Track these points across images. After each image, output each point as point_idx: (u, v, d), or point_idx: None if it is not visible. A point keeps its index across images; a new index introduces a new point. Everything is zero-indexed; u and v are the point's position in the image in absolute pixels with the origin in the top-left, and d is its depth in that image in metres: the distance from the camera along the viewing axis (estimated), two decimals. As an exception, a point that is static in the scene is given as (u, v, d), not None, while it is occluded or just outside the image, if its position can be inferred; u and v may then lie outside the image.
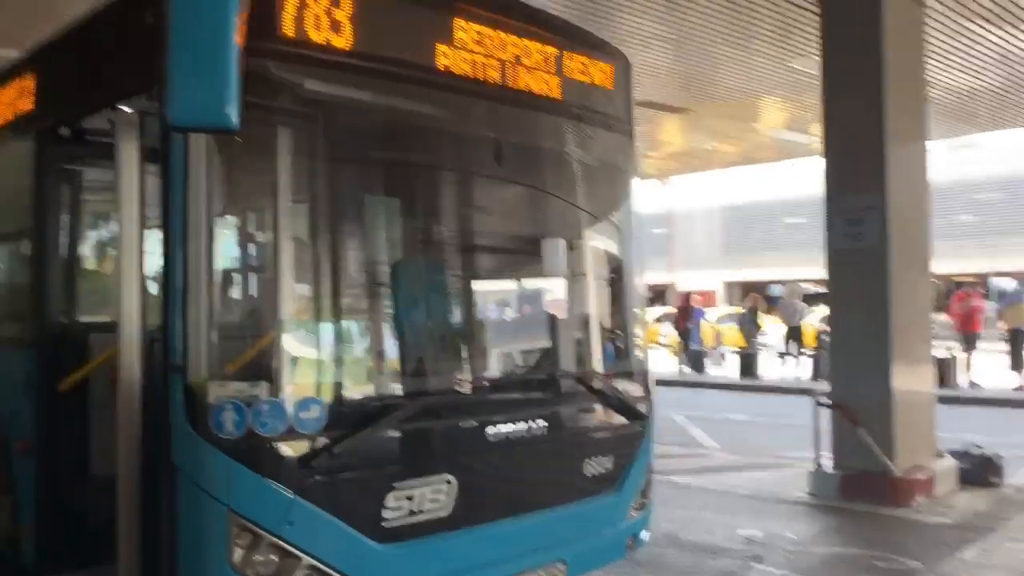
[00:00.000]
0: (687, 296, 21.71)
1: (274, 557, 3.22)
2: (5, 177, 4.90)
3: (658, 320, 30.13)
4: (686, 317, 20.32)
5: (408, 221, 4.43)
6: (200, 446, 3.18)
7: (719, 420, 12.56)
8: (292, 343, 3.38)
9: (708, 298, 40.17)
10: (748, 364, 18.51)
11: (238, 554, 3.17)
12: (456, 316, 4.50)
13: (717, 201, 41.54)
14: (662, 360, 21.57)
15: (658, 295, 42.05)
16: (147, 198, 3.64)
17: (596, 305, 4.88)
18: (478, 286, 4.73)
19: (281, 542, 3.22)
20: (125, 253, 3.76)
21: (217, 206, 3.38)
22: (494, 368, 4.55)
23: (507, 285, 5.01)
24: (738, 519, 6.83)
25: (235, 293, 3.54)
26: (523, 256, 5.12)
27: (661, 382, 18.02)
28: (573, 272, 4.89)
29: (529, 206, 5.04)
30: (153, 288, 3.56)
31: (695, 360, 19.70)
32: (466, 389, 4.01)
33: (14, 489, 4.55)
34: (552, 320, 4.76)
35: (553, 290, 5.10)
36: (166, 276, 3.32)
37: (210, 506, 3.18)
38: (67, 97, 4.35)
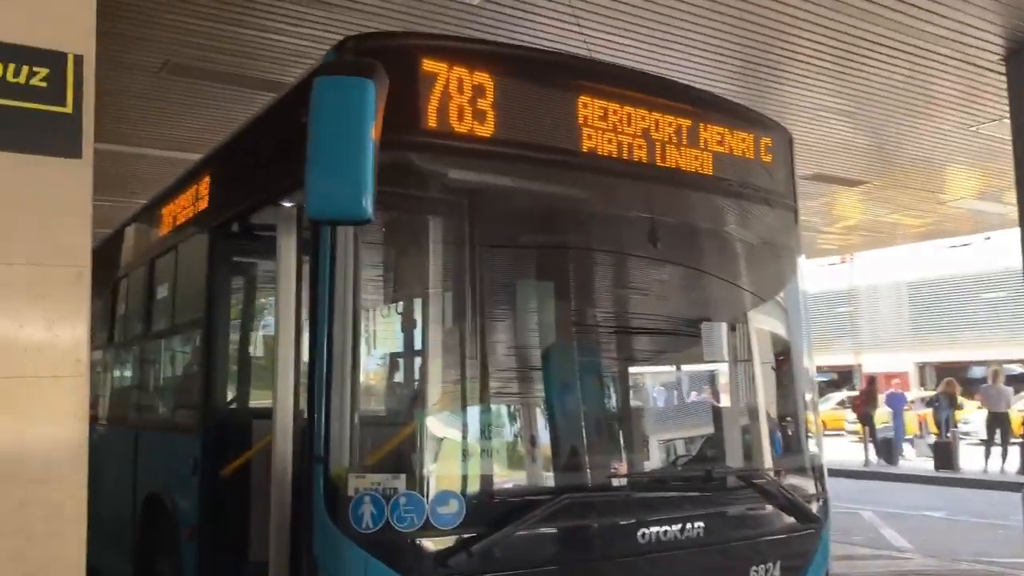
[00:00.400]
0: (871, 379, 20.25)
1: (413, 654, 3.08)
2: (184, 272, 5.24)
3: (841, 404, 28.26)
4: (867, 401, 18.86)
5: (559, 306, 4.30)
6: (338, 539, 3.13)
7: (913, 517, 11.37)
8: (435, 434, 3.31)
9: (898, 381, 37.47)
10: (945, 455, 16.81)
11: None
12: (609, 406, 4.29)
13: (905, 277, 38.97)
14: (846, 449, 20.10)
15: (843, 378, 39.63)
16: (303, 290, 3.75)
17: (762, 392, 4.53)
18: (633, 373, 4.50)
19: (425, 645, 3.09)
20: (281, 341, 3.87)
21: (362, 296, 3.39)
22: (648, 463, 4.27)
23: (665, 372, 4.74)
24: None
25: (380, 383, 3.52)
26: (682, 341, 4.85)
27: (845, 473, 16.75)
28: (736, 357, 4.58)
29: (687, 288, 4.80)
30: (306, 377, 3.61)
31: (885, 449, 18.15)
32: (617, 485, 3.77)
33: (180, 571, 4.69)
34: (714, 409, 4.46)
35: (715, 377, 4.79)
36: (311, 364, 3.35)
37: (349, 602, 3.10)
38: (238, 195, 4.61)
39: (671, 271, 4.64)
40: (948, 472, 16.28)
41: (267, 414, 4.08)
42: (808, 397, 4.57)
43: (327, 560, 3.18)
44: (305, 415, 3.48)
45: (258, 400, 4.91)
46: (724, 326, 4.69)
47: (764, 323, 4.75)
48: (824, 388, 39.53)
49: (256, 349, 5.02)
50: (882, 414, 19.60)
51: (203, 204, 4.92)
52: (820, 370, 42.23)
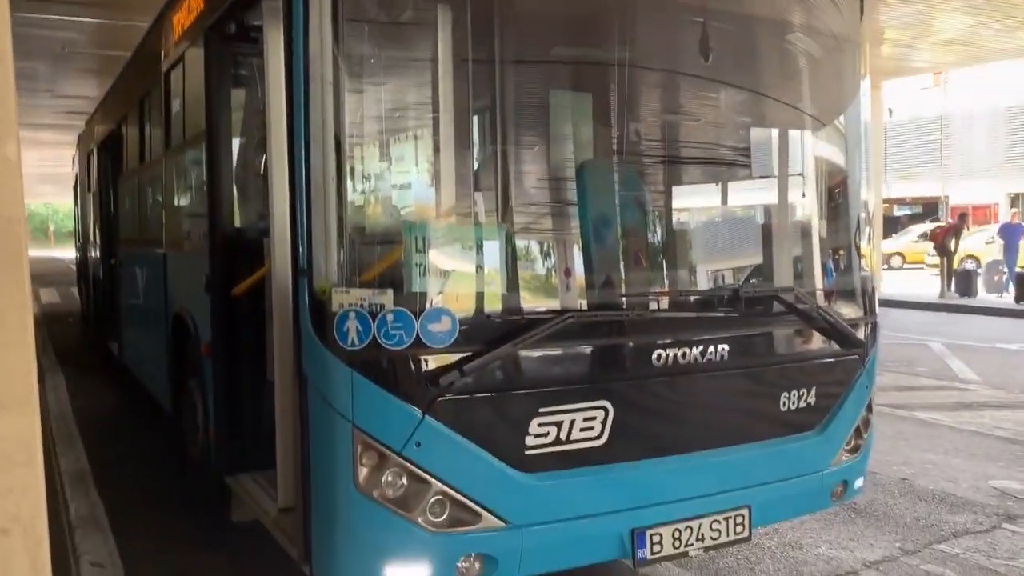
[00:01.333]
0: (963, 214, 19.17)
1: (402, 480, 2.94)
2: (190, 85, 4.94)
3: (923, 237, 27.12)
4: (947, 232, 17.89)
5: (575, 107, 3.87)
6: (324, 356, 2.94)
7: (986, 350, 10.92)
8: (426, 248, 3.02)
9: (985, 212, 35.62)
10: (1031, 287, 15.99)
11: (363, 474, 2.93)
12: (626, 220, 3.91)
13: (1003, 102, 36.17)
14: (925, 282, 19.40)
15: (928, 210, 37.90)
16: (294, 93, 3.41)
17: (807, 211, 4.10)
18: (654, 183, 4.08)
19: (409, 464, 2.94)
20: (273, 150, 3.59)
21: (349, 96, 3.04)
22: (666, 280, 3.94)
23: (693, 183, 4.30)
24: (992, 467, 5.77)
25: (369, 193, 3.21)
26: (717, 148, 4.39)
27: (919, 305, 16.17)
28: (783, 175, 4.13)
29: (738, 100, 4.29)
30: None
31: (964, 282, 17.37)
32: (627, 303, 3.47)
33: (204, 392, 4.68)
34: (746, 225, 4.05)
35: (757, 194, 4.34)
36: (295, 173, 3.07)
37: (336, 421, 2.95)
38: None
39: (722, 82, 4.13)
40: (1032, 305, 15.55)
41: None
42: (860, 216, 4.10)
43: (315, 377, 3.02)
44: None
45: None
46: (775, 139, 4.22)
47: (819, 142, 4.24)
48: (907, 221, 38.03)
49: (262, 162, 4.74)
50: (965, 247, 18.65)
51: (199, 5, 4.55)
52: (903, 203, 40.57)
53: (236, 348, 4.33)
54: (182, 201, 5.41)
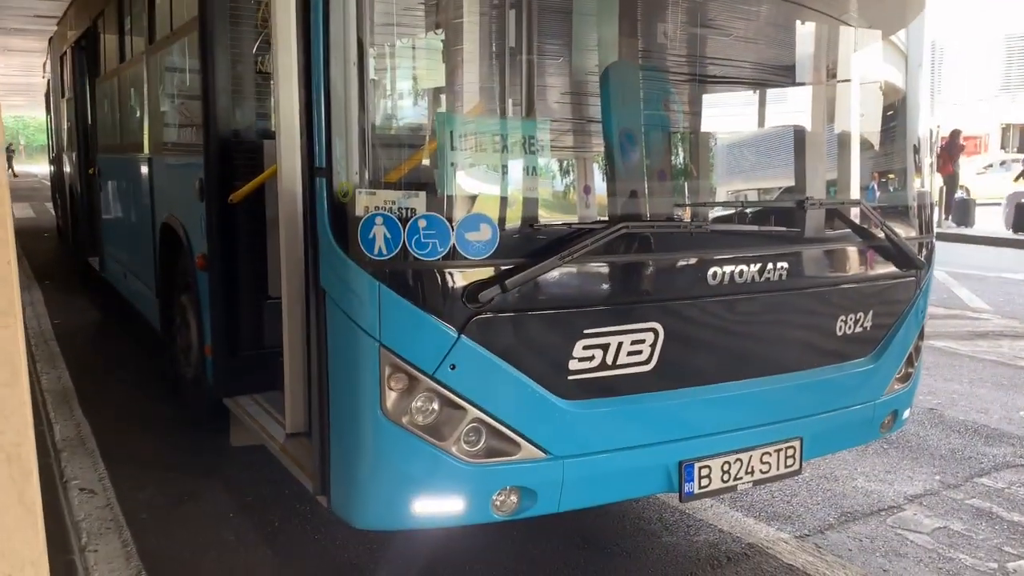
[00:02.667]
0: (954, 135, 18.59)
1: (434, 406, 2.63)
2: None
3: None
4: (951, 158, 17.55)
5: (623, 10, 3.44)
6: (347, 268, 2.59)
7: (991, 279, 10.73)
8: (465, 146, 2.64)
9: (976, 143, 35.36)
10: (1028, 217, 15.78)
11: (391, 399, 2.61)
12: (680, 126, 3.55)
13: (999, 27, 35.49)
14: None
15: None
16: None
17: (864, 123, 3.74)
18: (709, 87, 3.70)
19: (442, 388, 2.62)
20: (280, 38, 3.16)
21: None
22: (720, 191, 3.60)
23: (748, 88, 3.91)
24: (1020, 398, 5.57)
25: (401, 81, 2.81)
26: (770, 52, 4.00)
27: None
28: (834, 80, 3.74)
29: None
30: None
31: (960, 211, 17.15)
32: (682, 215, 3.13)
33: (199, 308, 4.33)
34: (804, 136, 3.68)
35: (808, 100, 3.96)
36: (307, 58, 2.66)
37: (360, 340, 2.61)
38: None
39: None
40: (1030, 236, 15.38)
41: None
42: (920, 132, 3.74)
43: (336, 291, 2.67)
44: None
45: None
46: (824, 35, 3.83)
47: (871, 45, 3.85)
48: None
49: (260, 57, 4.28)
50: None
51: None
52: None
53: (234, 260, 3.95)
54: (169, 102, 4.95)
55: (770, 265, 3.05)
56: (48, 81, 12.40)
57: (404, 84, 2.82)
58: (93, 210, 7.90)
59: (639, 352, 2.85)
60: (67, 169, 10.21)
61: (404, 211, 2.54)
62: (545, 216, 2.77)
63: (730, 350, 3.10)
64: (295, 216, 3.14)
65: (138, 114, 5.67)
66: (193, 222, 4.26)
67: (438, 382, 2.61)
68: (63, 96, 10.00)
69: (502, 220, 2.68)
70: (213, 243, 3.94)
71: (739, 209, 3.36)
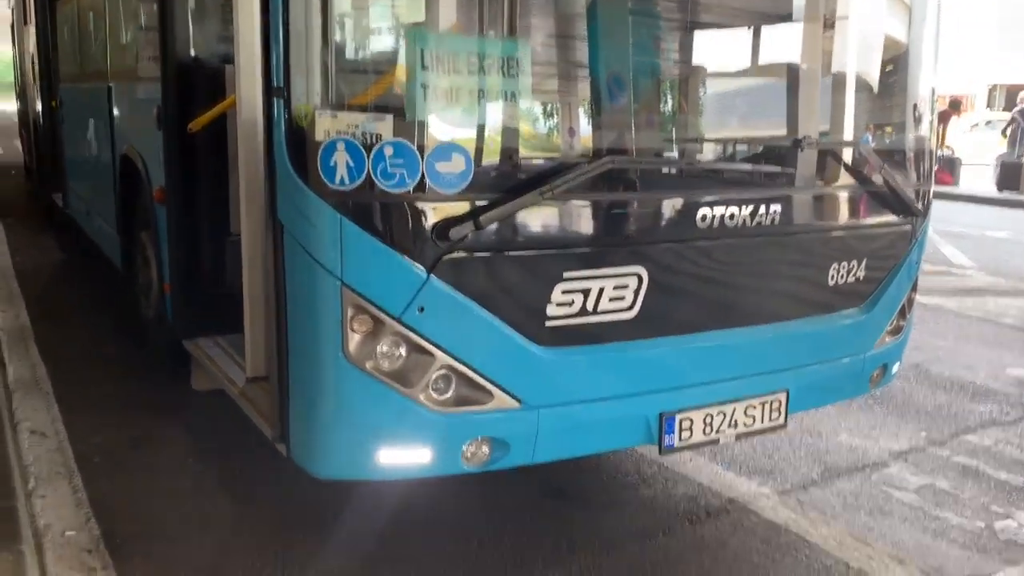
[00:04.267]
0: (955, 100, 18.47)
1: (400, 351, 2.44)
2: None
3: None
4: (946, 119, 17.39)
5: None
6: (306, 198, 2.37)
7: (974, 237, 10.63)
8: (436, 67, 2.41)
9: (964, 102, 35.09)
10: (1013, 175, 15.69)
11: (355, 342, 2.42)
12: (669, 55, 3.33)
13: (993, -14, 34.98)
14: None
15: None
16: None
17: (865, 67, 3.52)
18: (703, 26, 3.47)
19: (410, 332, 2.43)
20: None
21: None
22: (712, 129, 3.39)
23: (744, 29, 3.68)
24: (1006, 355, 5.47)
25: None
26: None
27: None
28: (833, 20, 3.52)
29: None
30: None
31: (947, 168, 17.02)
32: (671, 153, 2.94)
33: (158, 245, 4.10)
34: (800, 76, 3.46)
35: (806, 40, 3.74)
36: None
37: (320, 279, 2.41)
38: None
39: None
40: (1013, 194, 15.29)
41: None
42: (923, 77, 3.54)
43: (294, 225, 2.46)
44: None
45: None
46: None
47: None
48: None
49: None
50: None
51: None
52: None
53: (194, 194, 3.72)
54: (128, 25, 4.63)
55: (762, 208, 2.86)
56: (12, 9, 11.85)
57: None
58: (56, 144, 7.56)
59: (621, 298, 2.67)
60: (31, 103, 9.79)
61: (369, 136, 2.32)
62: (525, 150, 2.56)
63: (716, 298, 2.92)
64: (255, 146, 2.91)
65: (97, 39, 5.35)
66: (152, 153, 4.00)
67: (405, 325, 2.42)
68: (25, 23, 9.54)
69: (478, 151, 2.48)
70: (171, 175, 3.70)
71: (731, 147, 3.17)
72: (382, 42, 2.56)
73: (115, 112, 4.92)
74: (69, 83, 6.68)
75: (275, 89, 2.43)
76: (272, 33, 2.41)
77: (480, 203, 2.42)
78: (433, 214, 2.40)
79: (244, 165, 3.01)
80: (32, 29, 8.90)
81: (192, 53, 3.68)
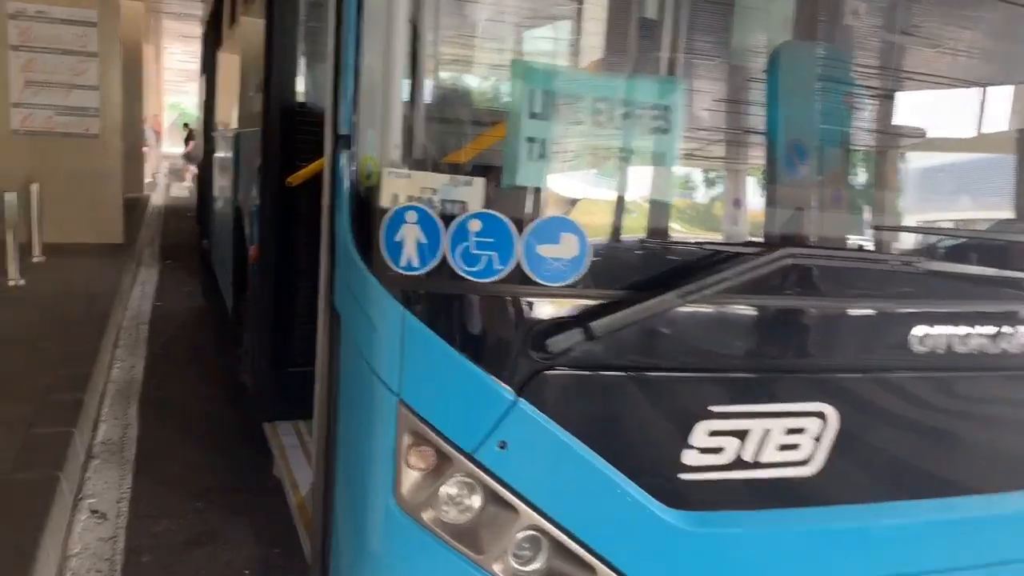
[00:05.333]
0: None
1: (472, 500, 1.77)
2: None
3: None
4: None
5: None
6: (364, 282, 1.77)
7: None
8: (547, 117, 1.77)
9: None
10: None
11: (411, 482, 1.77)
12: (865, 115, 2.53)
13: None
14: None
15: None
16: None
17: None
18: (915, 85, 2.65)
19: (486, 476, 1.76)
20: None
21: None
22: (930, 213, 2.56)
23: (970, 90, 2.83)
24: None
25: (460, 14, 1.98)
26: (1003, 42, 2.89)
27: None
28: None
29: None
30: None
31: None
32: (871, 245, 2.13)
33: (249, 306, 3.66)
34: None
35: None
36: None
37: (373, 390, 1.79)
38: None
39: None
40: None
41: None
42: None
43: (349, 314, 1.87)
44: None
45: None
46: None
47: None
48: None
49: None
50: None
51: None
52: None
53: (288, 259, 3.24)
54: (253, 68, 4.32)
55: (1009, 328, 2.00)
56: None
57: (467, 14, 1.96)
58: (205, 189, 7.55)
59: (795, 447, 1.89)
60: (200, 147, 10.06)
61: (449, 205, 1.70)
62: (663, 231, 1.86)
63: (934, 453, 2.06)
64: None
65: (232, 86, 5.13)
66: (254, 208, 3.59)
67: (480, 466, 1.75)
68: (202, 73, 9.84)
69: (598, 230, 1.80)
70: (264, 233, 3.24)
71: (960, 240, 2.32)
72: (478, 80, 1.95)
73: (239, 159, 4.61)
74: (216, 129, 6.59)
75: (340, 138, 1.86)
76: (342, 66, 1.86)
77: (597, 302, 1.73)
78: (530, 314, 1.73)
79: (324, 229, 2.48)
80: (202, 79, 9.13)
81: (298, 99, 3.23)
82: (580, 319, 1.71)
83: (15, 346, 4.93)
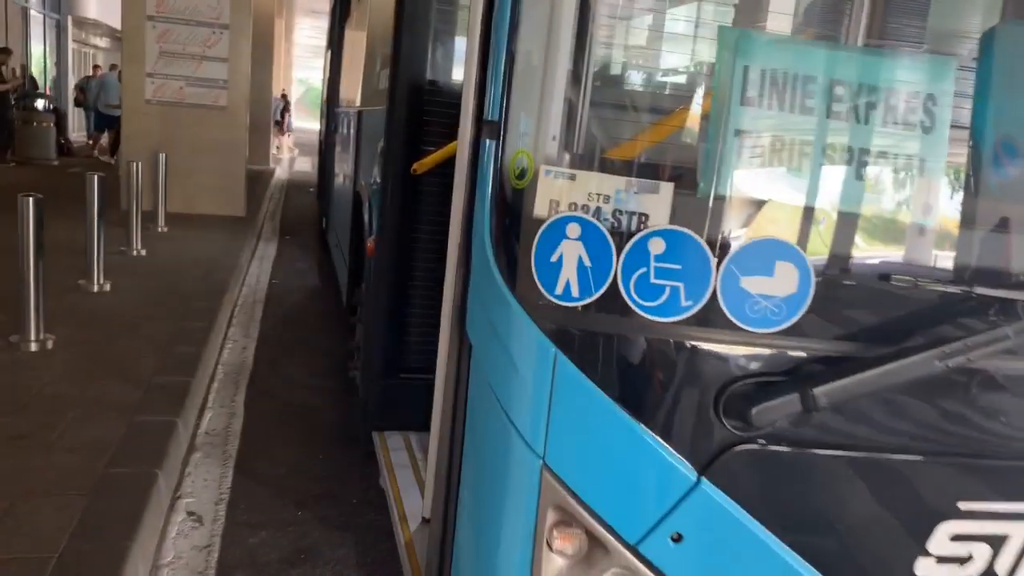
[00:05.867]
0: None
1: (631, 604, 1.36)
2: None
3: None
4: None
5: None
6: (507, 311, 1.38)
7: None
8: (764, 103, 1.33)
9: None
10: None
11: (553, 571, 1.38)
12: None
13: None
14: None
15: None
16: None
17: None
18: None
19: (652, 575, 1.34)
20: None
21: None
22: None
23: None
24: None
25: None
26: None
27: None
28: None
29: None
30: None
31: None
32: None
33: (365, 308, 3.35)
34: None
35: None
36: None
37: (510, 447, 1.40)
38: None
39: None
40: None
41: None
42: None
43: (485, 347, 1.49)
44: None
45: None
46: None
47: None
48: None
49: None
50: None
51: None
52: None
53: (408, 255, 2.90)
54: (380, 42, 4.01)
55: None
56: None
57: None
58: (326, 167, 7.37)
59: (1069, 562, 1.39)
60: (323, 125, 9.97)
61: (625, 218, 1.29)
62: (921, 261, 1.39)
63: None
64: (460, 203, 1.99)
65: (357, 62, 4.84)
66: (375, 195, 3.27)
67: (646, 562, 1.34)
68: (328, 49, 9.72)
69: (824, 257, 1.35)
70: (384, 225, 2.91)
71: None
72: (669, 55, 1.52)
73: (361, 142, 4.32)
74: (338, 106, 6.38)
75: (486, 124, 1.48)
76: (494, 39, 1.46)
77: (817, 355, 1.29)
78: (726, 369, 1.30)
79: (453, 232, 2.10)
80: (328, 54, 8.98)
81: (428, 77, 2.86)
82: (797, 380, 1.27)
83: (131, 320, 4.84)
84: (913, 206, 1.34)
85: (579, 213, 1.30)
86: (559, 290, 1.30)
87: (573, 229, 1.29)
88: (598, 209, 1.30)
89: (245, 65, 9.34)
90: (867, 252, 1.36)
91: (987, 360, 1.26)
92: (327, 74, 8.96)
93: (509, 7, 1.40)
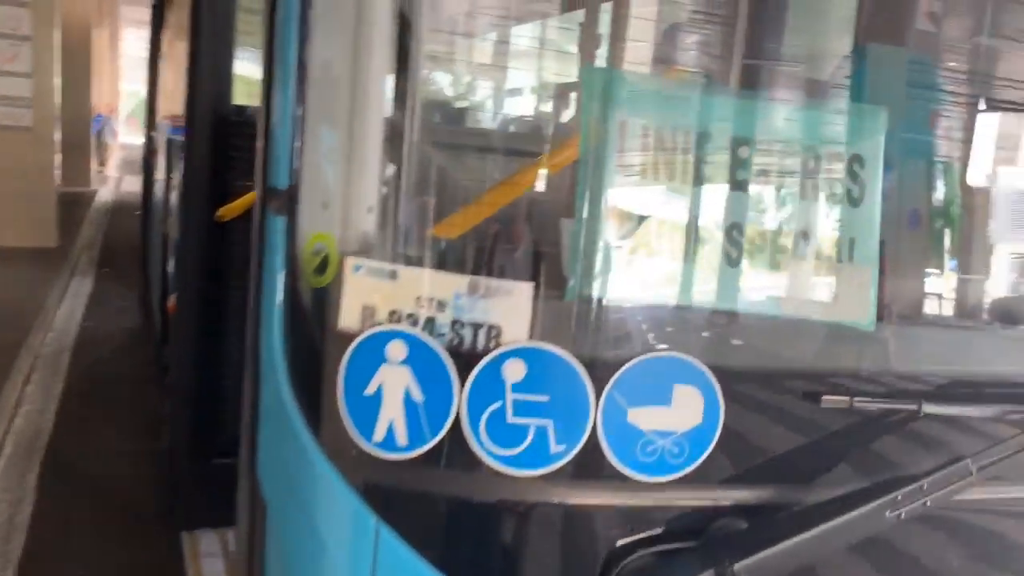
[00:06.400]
0: None
1: None
2: None
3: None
4: None
5: None
6: (305, 460, 0.97)
7: None
8: (640, 153, 0.98)
9: None
10: None
11: None
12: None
13: None
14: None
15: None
16: None
17: None
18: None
19: None
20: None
21: None
22: None
23: None
24: None
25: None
26: None
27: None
28: None
29: None
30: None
31: None
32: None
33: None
34: None
35: None
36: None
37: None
38: None
39: None
40: None
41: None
42: None
43: (281, 506, 1.06)
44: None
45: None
46: None
47: None
48: None
49: None
50: None
51: None
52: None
53: (217, 317, 2.40)
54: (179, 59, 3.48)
55: None
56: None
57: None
58: (147, 192, 6.65)
59: None
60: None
61: (468, 332, 0.91)
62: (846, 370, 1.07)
63: None
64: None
65: (166, 80, 4.27)
66: (175, 243, 2.75)
67: None
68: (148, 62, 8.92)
69: (738, 376, 1.01)
70: (184, 283, 2.40)
71: None
72: (515, 97, 1.16)
73: (169, 174, 3.75)
74: (154, 129, 5.73)
75: (269, 192, 1.06)
76: (279, 60, 1.05)
77: (741, 506, 0.95)
78: (615, 535, 0.94)
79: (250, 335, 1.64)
80: (147, 63, 8.23)
81: (234, 102, 2.39)
82: (710, 548, 0.92)
83: None
84: (836, 298, 1.04)
85: (404, 327, 0.91)
86: (379, 436, 0.91)
87: (396, 349, 0.90)
88: (431, 320, 0.91)
89: (52, 81, 8.43)
90: (789, 364, 1.04)
91: (948, 502, 0.96)
92: (147, 89, 8.18)
93: (295, 34, 0.99)
